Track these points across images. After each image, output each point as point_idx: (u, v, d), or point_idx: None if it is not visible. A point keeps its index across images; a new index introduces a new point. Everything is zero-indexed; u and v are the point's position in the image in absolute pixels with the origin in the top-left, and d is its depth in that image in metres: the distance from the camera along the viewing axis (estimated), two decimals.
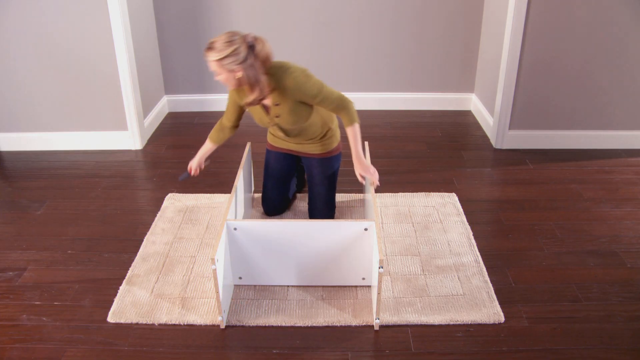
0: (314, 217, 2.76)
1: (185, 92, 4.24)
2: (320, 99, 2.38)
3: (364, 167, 2.45)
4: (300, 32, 4.01)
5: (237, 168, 3.42)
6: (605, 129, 3.59)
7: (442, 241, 2.69)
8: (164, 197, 3.10)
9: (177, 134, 3.92)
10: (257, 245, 2.30)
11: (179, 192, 3.14)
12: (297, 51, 4.07)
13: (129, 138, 3.66)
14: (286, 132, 2.60)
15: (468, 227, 2.79)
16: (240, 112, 2.60)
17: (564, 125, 3.59)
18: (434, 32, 4.00)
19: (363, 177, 2.49)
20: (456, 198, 3.04)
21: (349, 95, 4.24)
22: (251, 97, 2.34)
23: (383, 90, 4.22)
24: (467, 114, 4.21)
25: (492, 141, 3.71)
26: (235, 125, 2.68)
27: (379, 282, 2.05)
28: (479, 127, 3.97)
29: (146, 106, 3.83)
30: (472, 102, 4.22)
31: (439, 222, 2.84)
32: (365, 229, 2.23)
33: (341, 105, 2.41)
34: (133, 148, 3.68)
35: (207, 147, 2.75)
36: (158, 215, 2.92)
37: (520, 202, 3.04)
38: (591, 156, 3.54)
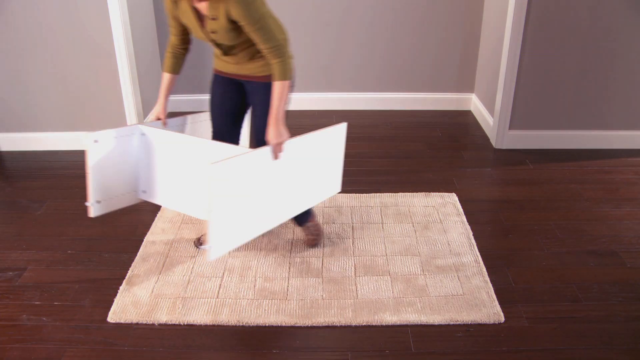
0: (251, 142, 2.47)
1: (185, 92, 4.24)
2: (257, 27, 2.06)
3: (277, 131, 2.15)
4: (300, 32, 4.01)
5: None
6: (605, 129, 3.59)
7: (442, 241, 2.69)
8: None
9: None
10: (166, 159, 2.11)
11: None
12: (298, 51, 4.07)
13: None
14: (224, 51, 2.27)
15: (468, 227, 2.79)
16: (184, 31, 2.35)
17: (564, 125, 3.59)
18: (434, 32, 4.00)
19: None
20: (456, 198, 3.04)
21: (349, 95, 4.26)
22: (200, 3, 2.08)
23: (383, 91, 4.22)
24: (467, 114, 4.21)
25: (492, 141, 3.71)
26: (186, 41, 2.38)
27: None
28: (479, 127, 3.97)
29: (146, 106, 3.83)
30: (472, 102, 4.22)
31: (439, 222, 2.84)
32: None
33: (276, 51, 2.11)
34: None
35: (166, 81, 2.44)
36: (158, 215, 2.92)
37: (520, 202, 3.04)
38: (591, 156, 3.54)
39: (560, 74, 3.43)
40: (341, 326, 2.20)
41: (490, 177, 3.31)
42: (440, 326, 2.19)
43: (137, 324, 2.22)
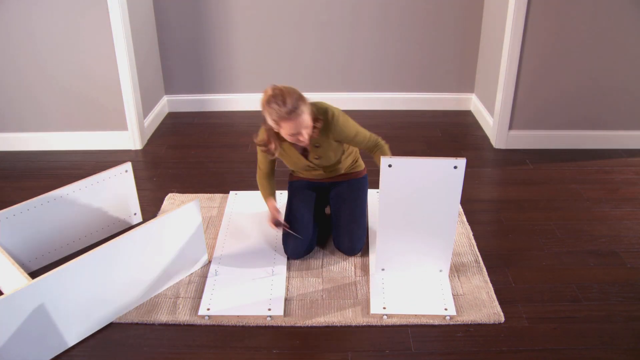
0: (341, 245, 2.56)
1: (185, 92, 4.24)
2: (358, 138, 2.44)
3: None
4: (300, 31, 4.01)
5: (237, 168, 3.42)
6: (605, 129, 3.59)
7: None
8: (164, 197, 3.10)
9: (177, 134, 3.92)
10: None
11: (179, 192, 3.14)
12: (298, 51, 4.07)
13: (129, 138, 3.66)
14: (322, 170, 2.57)
15: (468, 227, 2.79)
16: (274, 162, 2.60)
17: (564, 125, 3.59)
18: (434, 32, 4.00)
19: None
20: None
21: (349, 95, 4.26)
22: (304, 143, 2.35)
23: (383, 90, 4.22)
24: (467, 114, 4.21)
25: (492, 141, 3.71)
26: (274, 166, 2.62)
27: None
28: (479, 127, 3.97)
29: (146, 106, 3.83)
30: (472, 102, 4.22)
31: None
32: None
33: (375, 144, 2.49)
34: (133, 148, 3.68)
35: (272, 202, 2.59)
36: (158, 215, 2.92)
37: (520, 202, 3.04)
38: (591, 156, 3.54)
39: (560, 74, 3.43)
40: (341, 326, 2.20)
41: (490, 177, 3.31)
42: (440, 326, 2.19)
43: (137, 324, 2.22)
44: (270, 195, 2.61)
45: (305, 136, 2.27)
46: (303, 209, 2.57)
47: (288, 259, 2.55)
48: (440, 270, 2.42)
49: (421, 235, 2.33)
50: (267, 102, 2.22)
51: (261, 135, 2.43)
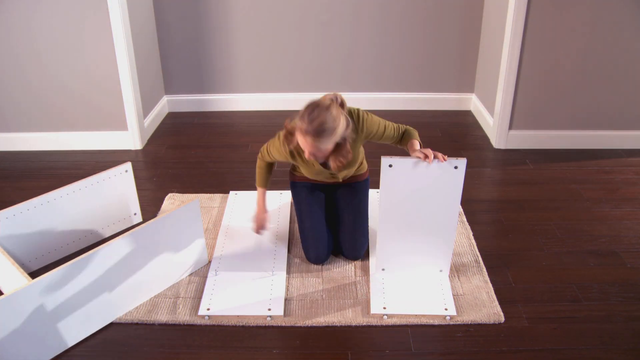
0: (345, 252, 2.55)
1: (185, 92, 4.24)
2: (388, 132, 2.35)
3: (427, 149, 2.23)
4: (300, 31, 4.01)
5: (237, 168, 3.42)
6: (605, 129, 3.59)
7: None
8: (164, 197, 3.10)
9: (177, 134, 3.92)
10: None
11: (179, 192, 3.14)
12: (298, 51, 4.07)
13: (129, 138, 3.66)
14: (338, 176, 2.48)
15: (468, 227, 2.79)
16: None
17: (564, 125, 3.59)
18: (434, 32, 4.00)
19: (426, 158, 2.19)
20: None
21: (349, 95, 4.25)
22: (333, 159, 2.24)
23: (383, 90, 4.22)
24: (467, 114, 4.21)
25: (492, 141, 3.71)
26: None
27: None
28: (479, 127, 3.97)
29: (146, 106, 3.83)
30: (472, 102, 4.22)
31: None
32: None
33: (404, 131, 2.38)
34: (133, 148, 3.68)
35: (263, 195, 2.53)
36: (158, 215, 2.92)
37: (520, 202, 3.04)
38: (591, 156, 3.54)
39: (560, 74, 3.43)
40: (341, 326, 2.20)
41: (490, 177, 3.31)
42: (440, 326, 2.19)
43: (137, 324, 2.22)
44: (264, 184, 2.51)
45: (310, 157, 2.19)
46: (316, 213, 2.52)
47: (311, 263, 2.53)
48: (441, 271, 2.42)
49: (421, 236, 2.33)
50: (306, 107, 2.11)
51: (293, 125, 2.20)
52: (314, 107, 2.08)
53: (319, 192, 2.59)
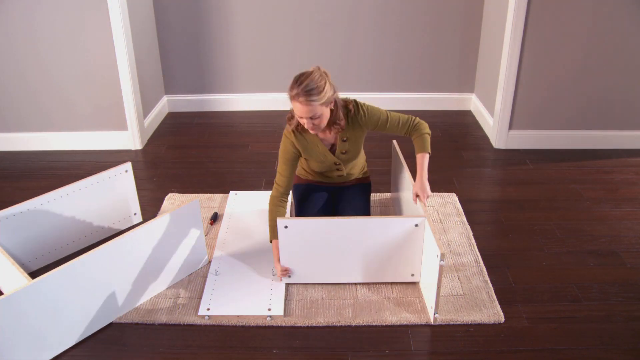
0: None
1: (185, 92, 4.24)
2: (390, 121, 2.45)
3: (423, 187, 2.39)
4: (300, 31, 4.01)
5: (237, 168, 3.42)
6: (605, 129, 3.59)
7: (442, 241, 2.68)
8: (164, 197, 3.10)
9: (177, 134, 3.92)
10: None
11: (179, 192, 3.14)
12: (298, 51, 4.07)
13: (129, 138, 3.66)
14: (343, 168, 2.56)
15: (468, 227, 2.79)
16: (296, 165, 2.49)
17: (564, 125, 3.59)
18: (434, 32, 4.00)
19: (417, 197, 2.39)
20: (456, 198, 3.04)
21: (349, 95, 4.24)
22: (331, 134, 2.40)
23: (383, 91, 4.22)
24: (467, 114, 4.21)
25: (492, 141, 3.71)
26: (288, 191, 2.47)
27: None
28: (479, 127, 3.97)
29: (146, 106, 3.83)
30: (472, 102, 4.22)
31: (439, 222, 2.84)
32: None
33: (413, 125, 2.49)
34: (133, 148, 3.68)
35: (276, 247, 2.37)
36: (158, 215, 2.92)
37: (520, 202, 3.04)
38: (591, 156, 3.54)
39: (560, 74, 3.43)
40: (341, 326, 2.20)
41: (490, 177, 3.31)
42: (440, 326, 2.19)
43: (137, 324, 2.22)
44: (277, 236, 2.32)
45: (310, 125, 2.26)
46: (317, 209, 2.55)
47: None
48: (412, 275, 2.41)
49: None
50: (294, 77, 2.23)
51: (290, 111, 2.38)
52: (299, 75, 2.23)
53: (322, 193, 2.62)
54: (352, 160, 2.54)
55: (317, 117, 2.24)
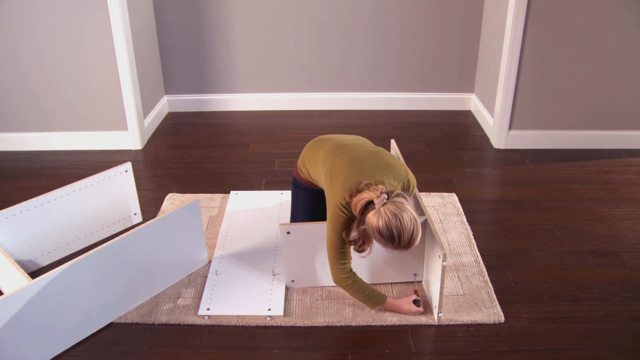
0: None
1: (185, 92, 4.24)
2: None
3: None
4: (300, 31, 4.01)
5: (237, 168, 3.42)
6: (605, 129, 3.59)
7: (442, 241, 2.68)
8: (164, 197, 3.10)
9: (177, 134, 3.92)
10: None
11: (179, 192, 3.14)
12: (298, 51, 4.07)
13: (129, 138, 3.66)
14: None
15: (468, 227, 2.79)
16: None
17: (564, 125, 3.59)
18: (434, 32, 4.00)
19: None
20: (456, 198, 3.04)
21: (349, 95, 4.26)
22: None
23: (383, 90, 4.22)
24: (467, 114, 4.21)
25: (492, 141, 3.71)
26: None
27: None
28: (479, 127, 3.97)
29: (146, 106, 3.83)
30: (472, 102, 4.22)
31: (439, 222, 2.84)
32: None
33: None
34: (133, 148, 3.68)
35: (388, 300, 2.25)
36: (158, 215, 2.92)
37: (520, 202, 3.04)
38: (591, 156, 3.54)
39: (560, 74, 3.43)
40: (341, 326, 2.20)
41: (490, 177, 3.31)
42: (440, 326, 2.19)
43: (137, 324, 2.22)
44: (382, 293, 2.22)
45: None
46: (309, 212, 2.50)
47: None
48: (415, 274, 2.41)
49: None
50: (384, 225, 1.88)
51: (354, 235, 2.07)
52: (391, 228, 1.88)
53: (322, 201, 2.50)
54: None
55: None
